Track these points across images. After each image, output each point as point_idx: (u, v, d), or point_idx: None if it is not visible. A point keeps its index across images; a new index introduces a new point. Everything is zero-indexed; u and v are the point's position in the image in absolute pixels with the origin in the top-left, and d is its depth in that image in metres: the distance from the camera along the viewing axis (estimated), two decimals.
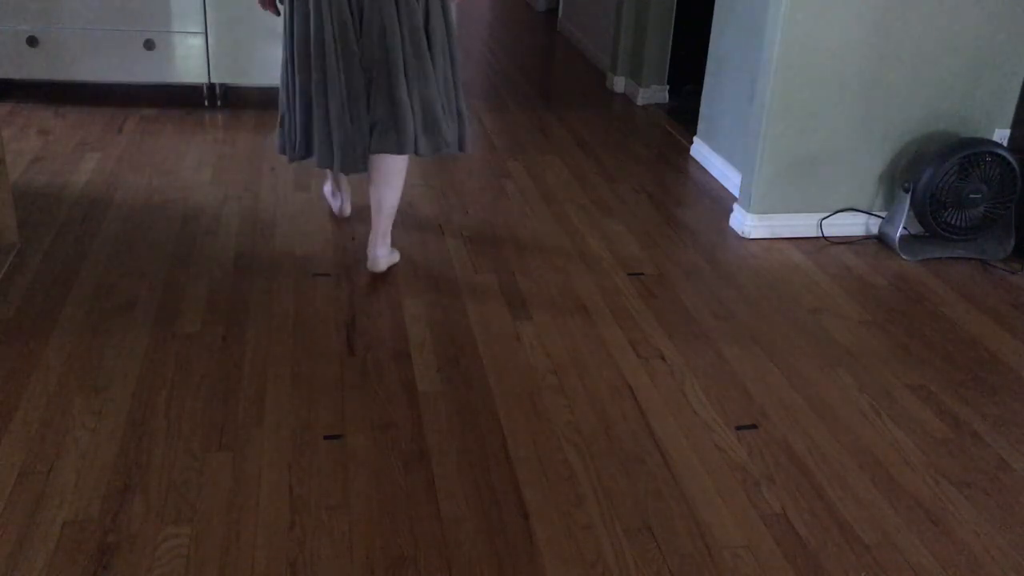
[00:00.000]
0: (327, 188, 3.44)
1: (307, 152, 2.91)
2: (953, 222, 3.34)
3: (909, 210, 3.34)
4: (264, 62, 4.38)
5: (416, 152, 2.83)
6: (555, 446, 2.23)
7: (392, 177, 2.89)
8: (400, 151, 2.80)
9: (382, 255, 2.97)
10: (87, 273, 2.89)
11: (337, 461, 2.13)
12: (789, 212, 3.46)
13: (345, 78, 2.73)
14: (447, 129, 2.87)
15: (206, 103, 4.54)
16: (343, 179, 3.35)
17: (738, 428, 2.34)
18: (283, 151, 2.98)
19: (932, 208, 3.30)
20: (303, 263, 3.04)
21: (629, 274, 3.11)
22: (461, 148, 2.97)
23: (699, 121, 4.28)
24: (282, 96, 2.93)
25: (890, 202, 3.51)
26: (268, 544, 1.88)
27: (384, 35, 2.70)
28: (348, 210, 3.41)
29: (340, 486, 2.05)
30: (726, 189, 3.92)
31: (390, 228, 2.98)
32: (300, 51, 2.75)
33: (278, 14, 2.93)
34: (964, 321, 2.94)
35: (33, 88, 4.57)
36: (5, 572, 1.78)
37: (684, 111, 4.86)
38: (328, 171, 3.30)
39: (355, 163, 2.81)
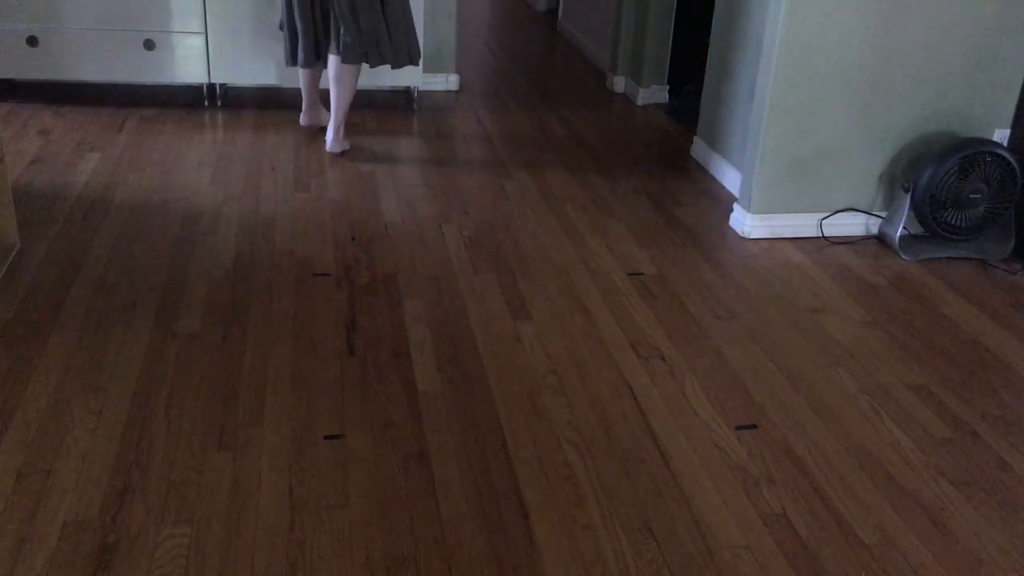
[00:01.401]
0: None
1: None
2: (953, 222, 3.34)
3: (909, 210, 3.34)
4: (264, 62, 4.38)
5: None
6: (555, 446, 2.23)
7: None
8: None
9: (331, 138, 3.99)
10: (87, 273, 2.89)
11: (337, 461, 2.13)
12: (789, 212, 3.46)
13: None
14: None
15: (206, 103, 4.54)
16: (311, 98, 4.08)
17: (738, 428, 2.34)
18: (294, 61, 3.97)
19: (932, 208, 3.30)
20: (303, 263, 3.04)
21: (629, 274, 3.11)
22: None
23: (699, 121, 4.28)
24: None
25: (890, 202, 3.51)
26: (268, 544, 1.88)
27: None
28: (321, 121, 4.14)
29: (340, 486, 2.05)
30: (726, 189, 3.92)
31: (342, 122, 3.96)
32: None
33: None
34: (964, 321, 2.94)
35: (33, 88, 4.57)
36: (5, 572, 1.78)
37: (684, 111, 4.86)
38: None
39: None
